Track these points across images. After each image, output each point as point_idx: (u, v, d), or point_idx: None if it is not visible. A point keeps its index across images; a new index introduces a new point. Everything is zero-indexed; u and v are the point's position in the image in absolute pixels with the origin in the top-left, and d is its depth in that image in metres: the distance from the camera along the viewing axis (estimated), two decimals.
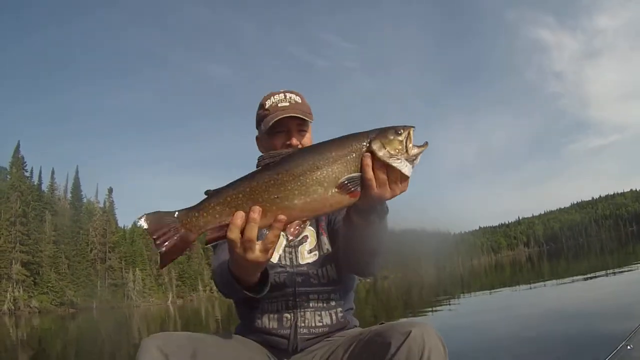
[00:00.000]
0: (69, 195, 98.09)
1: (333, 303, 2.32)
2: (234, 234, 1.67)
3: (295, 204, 1.66)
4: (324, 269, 2.31)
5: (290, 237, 1.70)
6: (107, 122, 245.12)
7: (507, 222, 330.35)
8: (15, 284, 71.49)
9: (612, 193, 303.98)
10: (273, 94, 2.45)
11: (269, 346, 2.26)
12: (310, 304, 2.27)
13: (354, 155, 1.67)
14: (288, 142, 2.36)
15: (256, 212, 1.65)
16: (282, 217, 1.67)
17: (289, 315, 2.25)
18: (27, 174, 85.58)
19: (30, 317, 58.50)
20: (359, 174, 1.66)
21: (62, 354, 17.21)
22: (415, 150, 1.67)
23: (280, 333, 2.24)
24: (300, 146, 2.36)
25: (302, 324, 2.24)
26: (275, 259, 2.31)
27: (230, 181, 1.76)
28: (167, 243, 1.72)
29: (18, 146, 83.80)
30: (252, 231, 1.66)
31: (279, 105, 2.38)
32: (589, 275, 20.50)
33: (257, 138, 2.56)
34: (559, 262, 47.93)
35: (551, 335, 7.78)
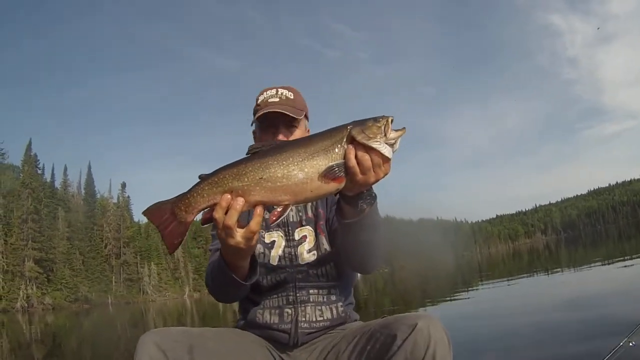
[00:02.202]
0: (82, 191, 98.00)
1: (333, 298, 2.34)
2: (218, 214, 1.79)
3: (278, 186, 1.76)
4: (323, 269, 2.33)
5: (272, 220, 1.79)
6: (121, 118, 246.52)
7: (524, 210, 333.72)
8: (28, 281, 71.24)
9: (628, 179, 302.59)
10: (266, 90, 2.47)
11: (271, 340, 2.28)
12: (311, 299, 2.30)
13: (335, 144, 1.78)
14: (275, 139, 2.38)
15: (239, 202, 1.77)
16: (259, 209, 1.80)
17: (289, 310, 2.28)
18: (40, 171, 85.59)
19: (44, 314, 58.09)
20: (342, 161, 1.76)
21: (78, 350, 16.71)
22: (393, 134, 1.76)
23: (281, 328, 2.26)
24: None
25: (303, 319, 2.27)
26: (275, 259, 2.34)
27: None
28: (168, 228, 1.86)
29: (30, 144, 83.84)
30: (232, 218, 1.77)
31: (269, 101, 2.40)
32: (606, 263, 20.33)
33: (253, 132, 2.59)
34: (577, 249, 47.43)
35: (557, 328, 7.70)
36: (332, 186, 1.78)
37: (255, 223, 1.80)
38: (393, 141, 1.77)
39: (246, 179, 1.77)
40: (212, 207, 1.82)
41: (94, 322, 37.30)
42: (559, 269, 23.09)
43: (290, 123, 2.43)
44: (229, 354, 2.05)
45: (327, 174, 1.75)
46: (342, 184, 1.79)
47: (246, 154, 1.86)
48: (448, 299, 17.28)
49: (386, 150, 1.75)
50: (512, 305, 12.26)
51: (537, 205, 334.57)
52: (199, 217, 1.93)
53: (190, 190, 1.85)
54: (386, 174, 1.80)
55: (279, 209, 1.78)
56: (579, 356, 5.76)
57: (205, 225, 1.97)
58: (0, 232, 71.74)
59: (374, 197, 1.98)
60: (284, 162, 1.76)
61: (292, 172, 1.75)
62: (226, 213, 1.78)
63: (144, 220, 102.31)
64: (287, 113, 2.36)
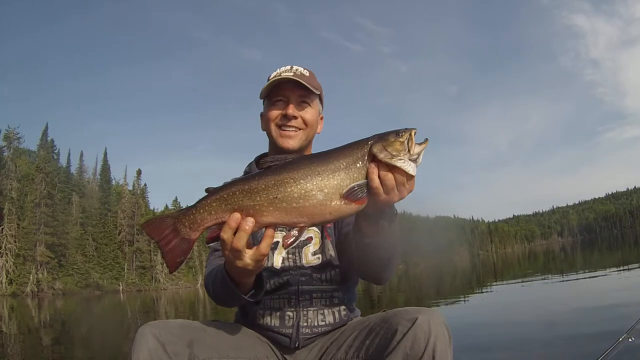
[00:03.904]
0: (97, 177, 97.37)
1: (336, 301, 2.30)
2: (226, 235, 1.70)
3: (294, 207, 1.66)
4: (327, 274, 2.28)
5: (286, 244, 1.70)
6: (139, 105, 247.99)
7: (541, 211, 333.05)
8: (39, 265, 70.68)
9: None
10: (281, 67, 2.35)
11: (271, 340, 2.25)
12: (313, 303, 2.26)
13: (355, 162, 1.68)
14: (284, 112, 2.28)
15: (249, 223, 1.68)
16: (270, 231, 1.71)
17: (291, 314, 2.24)
18: (55, 157, 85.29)
19: (54, 299, 57.62)
20: (365, 181, 1.66)
21: (86, 336, 16.49)
22: (417, 149, 1.66)
23: (282, 332, 2.22)
24: (299, 118, 2.30)
25: (305, 324, 2.22)
26: (278, 261, 2.28)
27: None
28: (170, 245, 1.76)
29: (46, 129, 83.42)
30: (241, 241, 1.70)
31: (282, 74, 2.28)
32: (621, 269, 20.65)
33: (261, 114, 2.46)
34: (592, 253, 48.13)
35: (559, 324, 7.98)
36: (354, 208, 1.66)
37: (265, 245, 1.72)
38: (416, 156, 1.65)
39: (258, 198, 1.66)
40: (219, 225, 1.72)
41: (105, 309, 37.08)
42: (573, 273, 23.32)
43: (303, 98, 2.30)
44: (230, 349, 2.02)
45: (349, 196, 1.63)
46: (364, 205, 1.67)
47: (258, 168, 1.77)
48: (462, 297, 17.59)
49: (410, 168, 1.63)
50: (521, 306, 12.56)
51: (554, 207, 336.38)
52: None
53: (195, 205, 1.74)
54: (411, 192, 1.69)
55: (293, 232, 1.68)
56: (579, 352, 5.88)
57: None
58: (13, 216, 71.02)
59: (395, 214, 1.88)
60: (302, 181, 1.64)
61: (310, 193, 1.64)
62: (234, 234, 1.69)
63: (159, 208, 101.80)
64: (301, 81, 2.22)
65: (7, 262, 68.27)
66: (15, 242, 69.83)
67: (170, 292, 71.71)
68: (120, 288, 79.95)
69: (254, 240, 1.80)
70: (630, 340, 3.52)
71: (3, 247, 68.63)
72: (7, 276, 67.76)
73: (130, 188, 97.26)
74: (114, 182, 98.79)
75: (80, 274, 76.68)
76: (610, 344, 3.52)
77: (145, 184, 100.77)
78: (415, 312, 1.82)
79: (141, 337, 1.79)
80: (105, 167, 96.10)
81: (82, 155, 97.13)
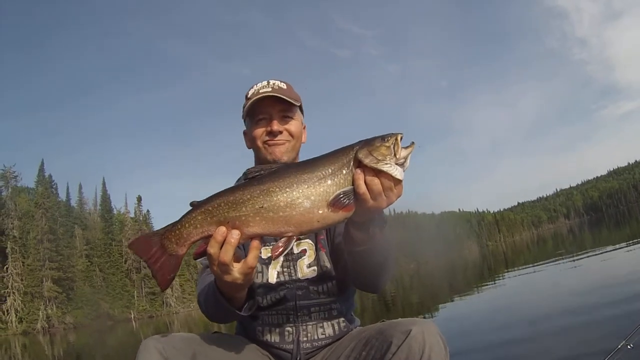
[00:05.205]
0: (99, 208, 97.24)
1: (335, 313, 2.28)
2: (213, 249, 1.68)
3: (280, 216, 1.64)
4: (324, 286, 2.26)
5: (275, 255, 1.67)
6: (131, 129, 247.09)
7: (545, 196, 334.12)
8: (47, 301, 70.23)
9: None
10: (257, 83, 2.35)
11: (272, 354, 2.23)
12: (312, 317, 2.24)
13: (341, 168, 1.66)
14: (269, 129, 2.27)
15: (235, 236, 1.66)
16: (256, 242, 1.70)
17: (290, 329, 2.22)
18: (54, 191, 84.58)
19: (66, 334, 57.79)
20: (351, 187, 1.64)
21: None
22: (403, 153, 1.64)
23: (282, 347, 2.20)
24: (284, 132, 2.30)
25: (305, 338, 2.20)
26: (273, 276, 2.26)
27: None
28: (159, 263, 1.73)
29: (42, 164, 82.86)
30: (227, 254, 1.67)
31: (261, 91, 2.27)
32: (631, 244, 20.67)
33: (244, 133, 2.46)
34: (601, 231, 48.08)
35: (559, 329, 7.67)
36: (341, 215, 1.64)
37: (252, 257, 1.70)
38: (403, 160, 1.63)
39: (244, 209, 1.64)
40: (206, 239, 1.70)
41: (118, 338, 36.98)
42: (583, 252, 23.30)
43: (285, 112, 2.30)
44: None
45: (336, 203, 1.61)
46: (352, 212, 1.65)
47: (244, 179, 1.77)
48: (475, 290, 17.76)
49: (397, 172, 1.61)
50: (525, 299, 12.60)
51: (558, 190, 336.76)
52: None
53: (180, 220, 1.72)
54: (399, 196, 1.67)
55: (281, 242, 1.66)
56: (578, 358, 5.79)
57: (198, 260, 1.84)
58: (17, 254, 70.77)
59: (385, 220, 1.90)
60: (288, 190, 1.62)
61: (297, 201, 1.62)
62: (221, 247, 1.66)
63: None
64: (282, 96, 2.22)
65: (15, 300, 67.77)
66: (21, 280, 69.36)
67: (182, 315, 71.37)
68: (132, 316, 79.34)
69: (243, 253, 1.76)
70: (629, 347, 3.45)
71: (10, 287, 68.13)
72: (16, 315, 67.35)
73: (132, 215, 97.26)
74: (115, 211, 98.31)
75: (90, 306, 76.19)
76: (608, 351, 3.48)
77: (147, 210, 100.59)
78: (409, 324, 1.80)
79: (145, 351, 1.76)
80: (105, 197, 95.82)
81: (80, 187, 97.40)
